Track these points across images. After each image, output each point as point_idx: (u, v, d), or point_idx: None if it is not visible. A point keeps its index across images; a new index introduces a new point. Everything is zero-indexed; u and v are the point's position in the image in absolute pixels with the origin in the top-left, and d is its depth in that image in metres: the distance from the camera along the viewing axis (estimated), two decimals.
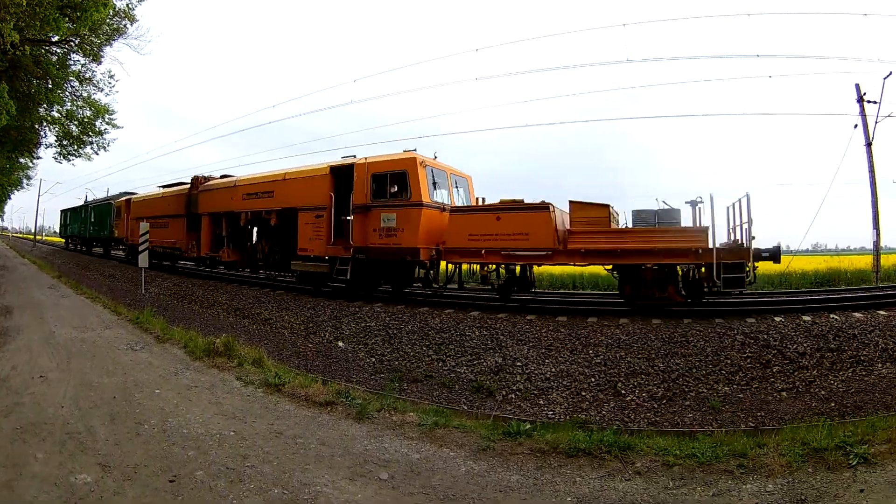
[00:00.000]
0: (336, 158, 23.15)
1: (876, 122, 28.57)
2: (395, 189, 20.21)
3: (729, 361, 13.28)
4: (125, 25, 29.71)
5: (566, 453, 7.55)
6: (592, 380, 12.67)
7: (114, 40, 30.16)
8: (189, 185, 31.81)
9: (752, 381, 12.89)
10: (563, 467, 7.22)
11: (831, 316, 15.77)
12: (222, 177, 31.80)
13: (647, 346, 13.60)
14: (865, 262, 33.82)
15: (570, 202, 17.21)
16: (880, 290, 22.16)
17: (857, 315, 16.06)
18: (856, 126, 28.39)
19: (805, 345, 14.00)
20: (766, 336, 14.23)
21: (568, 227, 17.25)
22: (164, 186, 38.25)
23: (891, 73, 27.74)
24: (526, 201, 17.70)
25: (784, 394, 12.52)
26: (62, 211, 74.46)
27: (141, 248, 29.32)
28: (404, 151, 20.29)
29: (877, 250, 29.21)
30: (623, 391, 12.26)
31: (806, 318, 15.54)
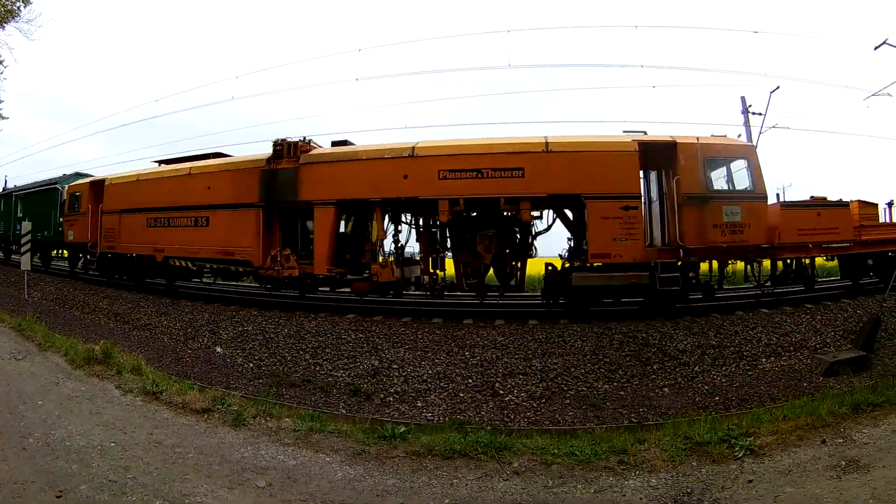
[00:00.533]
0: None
1: (760, 133, 29.63)
2: (727, 177, 17.02)
3: (608, 360, 13.39)
4: (18, 7, 27.46)
5: (442, 455, 7.46)
6: (470, 381, 12.57)
7: (6, 23, 27.63)
8: (271, 156, 18.54)
9: (632, 378, 13.05)
10: (440, 469, 7.13)
11: (712, 315, 16.26)
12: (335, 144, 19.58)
13: (524, 347, 13.61)
14: None
15: (859, 202, 18.26)
16: (765, 288, 22.75)
17: (740, 312, 16.69)
18: (739, 135, 29.32)
19: (686, 342, 14.49)
20: (644, 335, 14.55)
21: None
22: (164, 162, 23.76)
23: (778, 87, 28.91)
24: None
25: (666, 390, 12.79)
26: None
27: (23, 249, 24.94)
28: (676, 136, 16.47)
29: None
30: (501, 391, 12.17)
31: (687, 317, 16.07)
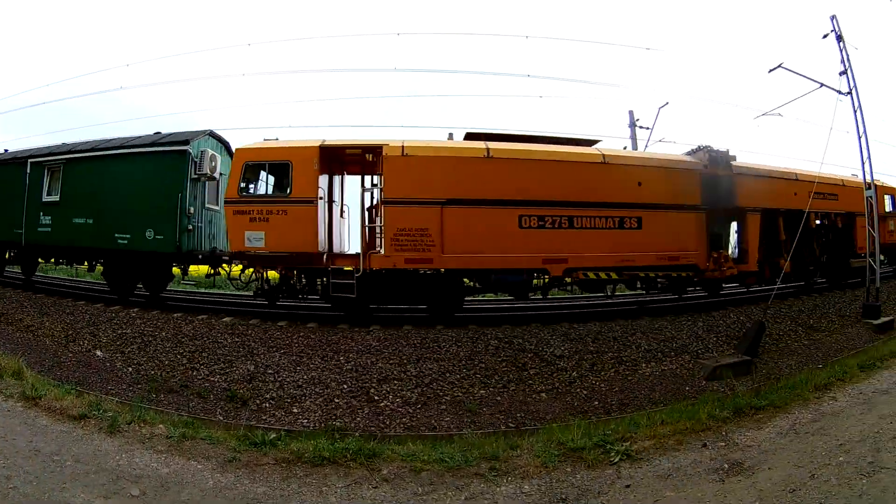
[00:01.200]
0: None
1: (646, 146, 30.38)
2: None
3: (483, 365, 13.39)
4: None
5: (311, 462, 7.38)
6: (345, 386, 12.36)
7: None
8: (707, 161, 19.06)
9: (509, 383, 13.04)
10: (309, 477, 7.06)
11: (590, 323, 16.47)
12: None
13: (399, 352, 13.49)
14: None
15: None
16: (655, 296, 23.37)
17: (620, 320, 16.99)
18: (625, 147, 30.02)
19: (563, 348, 14.54)
20: (520, 340, 14.56)
21: None
22: (485, 137, 18.06)
23: (667, 103, 29.68)
24: None
25: (544, 395, 12.80)
26: None
27: None
28: None
29: None
30: (377, 397, 12.03)
31: (564, 323, 16.29)
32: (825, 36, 22.74)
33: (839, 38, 22.09)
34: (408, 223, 15.46)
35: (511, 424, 11.26)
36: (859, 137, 22.09)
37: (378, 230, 16.37)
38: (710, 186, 18.65)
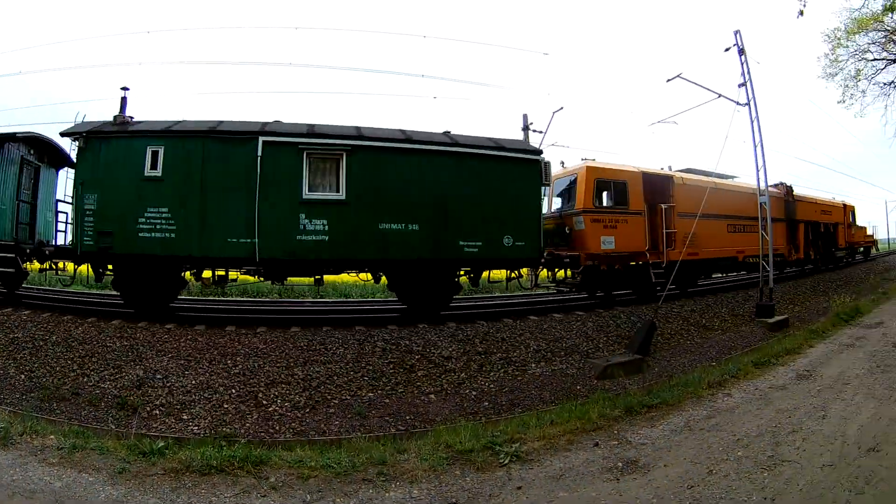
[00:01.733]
0: None
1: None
2: None
3: (371, 367, 13.28)
4: None
5: (200, 472, 7.23)
6: (233, 391, 12.01)
7: None
8: (784, 193, 33.54)
9: (397, 385, 12.97)
10: (198, 486, 6.91)
11: (479, 323, 16.69)
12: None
13: (286, 355, 13.22)
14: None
15: None
16: (534, 296, 24.29)
17: (507, 320, 17.15)
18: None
19: (451, 349, 14.65)
20: (407, 342, 14.56)
21: None
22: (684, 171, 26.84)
23: (562, 107, 30.57)
24: None
25: (433, 397, 12.77)
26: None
27: None
28: None
29: None
30: (265, 402, 11.74)
31: (451, 323, 16.31)
32: (727, 49, 23.46)
33: (741, 51, 23.25)
34: (686, 229, 21.26)
35: (401, 427, 11.18)
36: (755, 146, 22.83)
37: (669, 234, 22.38)
38: (788, 207, 32.47)
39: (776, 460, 7.76)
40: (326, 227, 15.66)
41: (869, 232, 54.56)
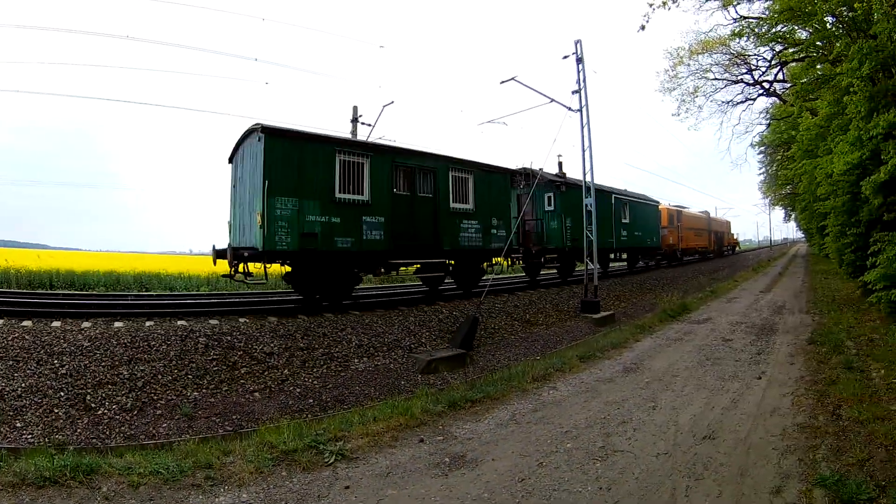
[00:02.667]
0: None
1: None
2: None
3: (195, 365, 12.95)
4: None
5: (36, 484, 6.85)
6: (62, 394, 11.25)
7: None
8: (707, 215, 73.31)
9: (221, 383, 12.77)
10: (36, 501, 6.57)
11: (300, 317, 16.70)
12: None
13: (111, 353, 12.59)
14: None
15: None
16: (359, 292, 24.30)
17: (328, 315, 17.26)
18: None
19: (273, 344, 14.53)
20: (230, 338, 14.34)
21: None
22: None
23: (392, 101, 31.04)
24: None
25: (257, 394, 12.62)
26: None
27: None
28: None
29: None
30: (94, 404, 11.11)
31: (272, 318, 16.23)
32: (566, 57, 24.32)
33: (579, 60, 24.38)
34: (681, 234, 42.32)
35: (228, 428, 10.85)
36: (583, 150, 23.85)
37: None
38: (709, 224, 67.85)
39: (608, 451, 8.04)
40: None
41: (736, 237, 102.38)
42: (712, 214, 74.71)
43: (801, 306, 24.84)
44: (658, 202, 46.53)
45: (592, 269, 25.08)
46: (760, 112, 63.06)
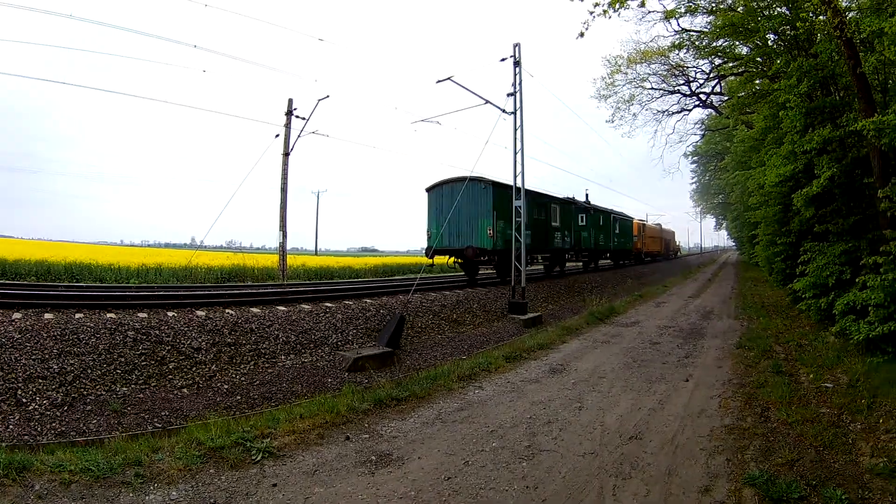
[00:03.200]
0: None
1: (299, 136, 31.56)
2: None
3: (124, 359, 12.84)
4: None
5: None
6: None
7: None
8: (660, 225, 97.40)
9: (150, 379, 12.70)
10: None
11: (227, 311, 16.50)
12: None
13: (41, 346, 12.33)
14: (272, 260, 38.37)
15: None
16: (285, 286, 25.39)
17: (255, 310, 17.10)
18: (277, 136, 30.84)
19: (201, 340, 14.46)
20: (158, 332, 14.16)
21: None
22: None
23: (328, 95, 31.05)
24: None
25: (185, 391, 12.65)
26: None
27: None
28: None
29: (283, 250, 32.54)
30: (25, 399, 10.92)
31: (200, 312, 16.01)
32: (503, 60, 24.57)
33: (517, 63, 24.59)
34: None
35: (157, 424, 10.87)
36: (515, 153, 24.13)
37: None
38: (662, 233, 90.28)
39: (534, 450, 8.24)
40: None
41: (679, 243, 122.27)
42: (648, 223, 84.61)
43: (729, 312, 25.48)
44: (632, 218, 65.00)
45: (521, 270, 25.39)
46: (695, 123, 63.87)
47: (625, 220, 60.18)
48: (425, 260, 30.24)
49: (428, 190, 30.52)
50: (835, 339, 15.30)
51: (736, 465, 7.66)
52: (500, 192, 28.60)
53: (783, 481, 6.91)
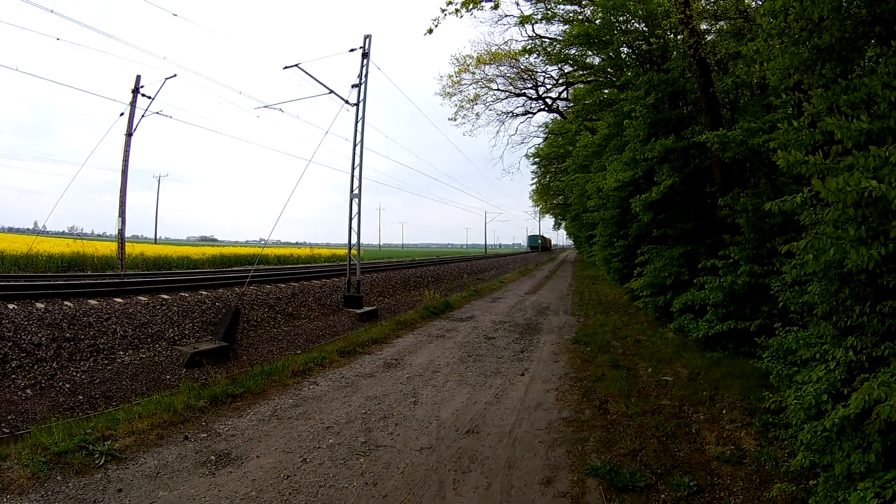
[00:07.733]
0: None
1: (143, 115, 29.85)
2: None
3: None
4: None
5: None
6: None
7: None
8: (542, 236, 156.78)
9: None
10: None
11: (65, 303, 15.86)
12: None
13: None
14: (113, 248, 36.27)
15: None
16: (122, 277, 23.98)
17: (93, 302, 16.54)
18: (122, 114, 29.66)
19: (41, 335, 13.89)
20: None
21: None
22: None
23: (175, 75, 29.85)
24: None
25: (29, 391, 12.10)
26: None
27: None
28: None
29: (121, 238, 30.77)
30: None
31: (40, 304, 15.43)
32: (352, 50, 24.69)
33: (365, 55, 24.41)
34: None
35: (6, 430, 10.24)
36: (355, 145, 24.30)
37: None
38: (547, 239, 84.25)
39: (371, 446, 8.42)
40: None
41: (551, 241, 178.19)
42: (487, 219, 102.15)
43: (566, 308, 26.19)
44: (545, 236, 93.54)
45: (355, 263, 25.61)
46: (539, 126, 65.06)
47: (543, 237, 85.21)
48: (262, 251, 28.62)
49: None
50: (674, 335, 16.33)
51: (577, 457, 8.04)
52: None
53: (627, 471, 7.35)
